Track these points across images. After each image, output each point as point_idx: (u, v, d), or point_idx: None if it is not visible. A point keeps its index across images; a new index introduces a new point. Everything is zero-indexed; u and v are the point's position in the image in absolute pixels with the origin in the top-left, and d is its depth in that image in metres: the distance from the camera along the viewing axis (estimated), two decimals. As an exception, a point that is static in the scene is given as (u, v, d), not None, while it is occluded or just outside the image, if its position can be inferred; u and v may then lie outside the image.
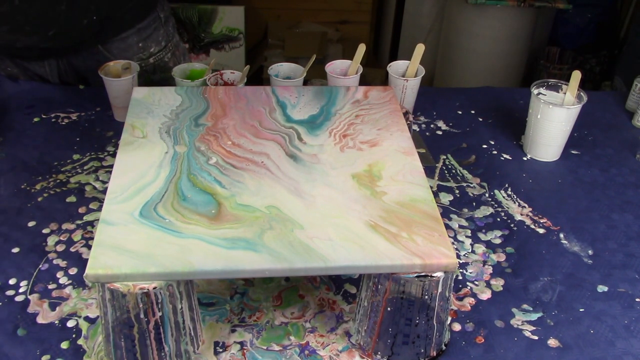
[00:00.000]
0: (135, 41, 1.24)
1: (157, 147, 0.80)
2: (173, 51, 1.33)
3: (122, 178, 0.74)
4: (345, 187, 0.74)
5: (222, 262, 0.63)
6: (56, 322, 0.76)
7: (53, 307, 0.78)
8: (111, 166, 0.98)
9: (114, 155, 1.05)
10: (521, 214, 0.97)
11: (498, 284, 0.85)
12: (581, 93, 1.05)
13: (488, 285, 0.84)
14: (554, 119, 1.03)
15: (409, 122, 0.90)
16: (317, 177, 0.76)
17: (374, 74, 2.64)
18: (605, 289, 0.84)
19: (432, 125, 1.18)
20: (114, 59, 1.19)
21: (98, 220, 0.76)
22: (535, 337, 0.77)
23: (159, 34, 1.28)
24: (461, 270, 0.86)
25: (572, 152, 1.12)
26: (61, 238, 0.88)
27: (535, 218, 0.96)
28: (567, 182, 1.05)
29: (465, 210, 0.97)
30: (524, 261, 0.88)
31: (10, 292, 0.80)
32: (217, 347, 0.74)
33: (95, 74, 1.14)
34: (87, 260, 0.64)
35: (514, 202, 0.99)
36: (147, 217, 0.68)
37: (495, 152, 1.11)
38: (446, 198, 1.00)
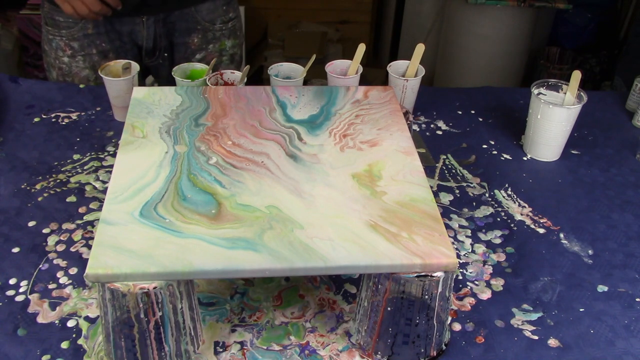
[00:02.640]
0: (222, 3, 1.31)
1: (157, 147, 0.80)
2: (241, 24, 1.39)
3: (122, 178, 0.74)
4: (345, 187, 0.74)
5: (222, 262, 0.63)
6: (56, 322, 0.76)
7: (53, 307, 0.78)
8: (111, 166, 0.98)
9: (114, 155, 1.05)
10: (521, 214, 0.97)
11: (498, 283, 0.85)
12: (581, 93, 1.05)
13: (488, 285, 0.84)
14: (554, 119, 1.03)
15: (409, 122, 0.90)
16: (317, 177, 0.76)
17: (374, 74, 2.64)
18: (605, 288, 0.84)
19: (432, 125, 1.18)
20: (201, 22, 1.26)
21: (98, 220, 0.76)
22: (536, 337, 0.77)
23: (235, 1, 1.35)
24: (461, 270, 0.86)
25: (572, 152, 1.12)
26: (61, 238, 0.88)
27: (535, 218, 0.96)
28: (567, 182, 1.05)
29: (465, 210, 0.97)
30: (524, 261, 0.88)
31: (10, 292, 0.80)
32: (217, 347, 0.74)
33: (180, 43, 1.28)
34: (87, 260, 0.64)
35: (514, 202, 0.99)
36: (147, 217, 0.68)
37: (495, 152, 1.11)
38: (446, 198, 1.00)
